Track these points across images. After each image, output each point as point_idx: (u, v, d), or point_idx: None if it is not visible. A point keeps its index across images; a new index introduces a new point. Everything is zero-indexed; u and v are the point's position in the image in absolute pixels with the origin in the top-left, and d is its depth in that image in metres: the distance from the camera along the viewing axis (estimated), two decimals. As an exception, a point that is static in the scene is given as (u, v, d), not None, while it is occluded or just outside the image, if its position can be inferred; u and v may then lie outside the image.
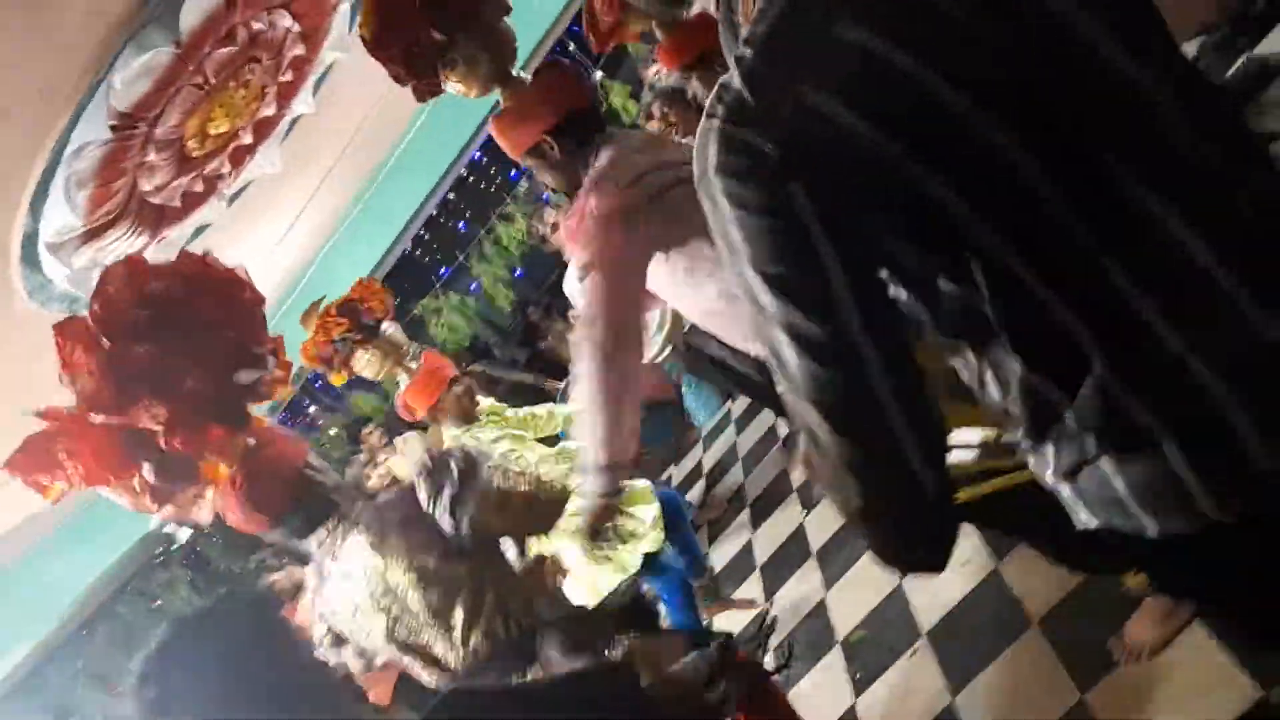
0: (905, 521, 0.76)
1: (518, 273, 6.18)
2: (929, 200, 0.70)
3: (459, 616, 1.47)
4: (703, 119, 0.73)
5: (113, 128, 2.36)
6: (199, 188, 3.08)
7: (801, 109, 0.69)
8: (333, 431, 6.46)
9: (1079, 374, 0.71)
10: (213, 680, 1.07)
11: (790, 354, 0.73)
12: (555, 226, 4.49)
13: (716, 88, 0.74)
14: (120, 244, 2.88)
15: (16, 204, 2.37)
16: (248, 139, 3.15)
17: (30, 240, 2.52)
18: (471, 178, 6.00)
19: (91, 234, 2.68)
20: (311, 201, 4.72)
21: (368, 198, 5.39)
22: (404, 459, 5.69)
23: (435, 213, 6.01)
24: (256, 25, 2.68)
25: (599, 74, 5.54)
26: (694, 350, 4.70)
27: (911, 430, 0.72)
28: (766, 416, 4.40)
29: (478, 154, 5.86)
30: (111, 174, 2.51)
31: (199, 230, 3.40)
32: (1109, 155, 0.69)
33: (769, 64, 0.72)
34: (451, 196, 5.99)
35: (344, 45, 3.33)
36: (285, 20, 2.81)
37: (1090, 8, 0.69)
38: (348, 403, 6.35)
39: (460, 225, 6.31)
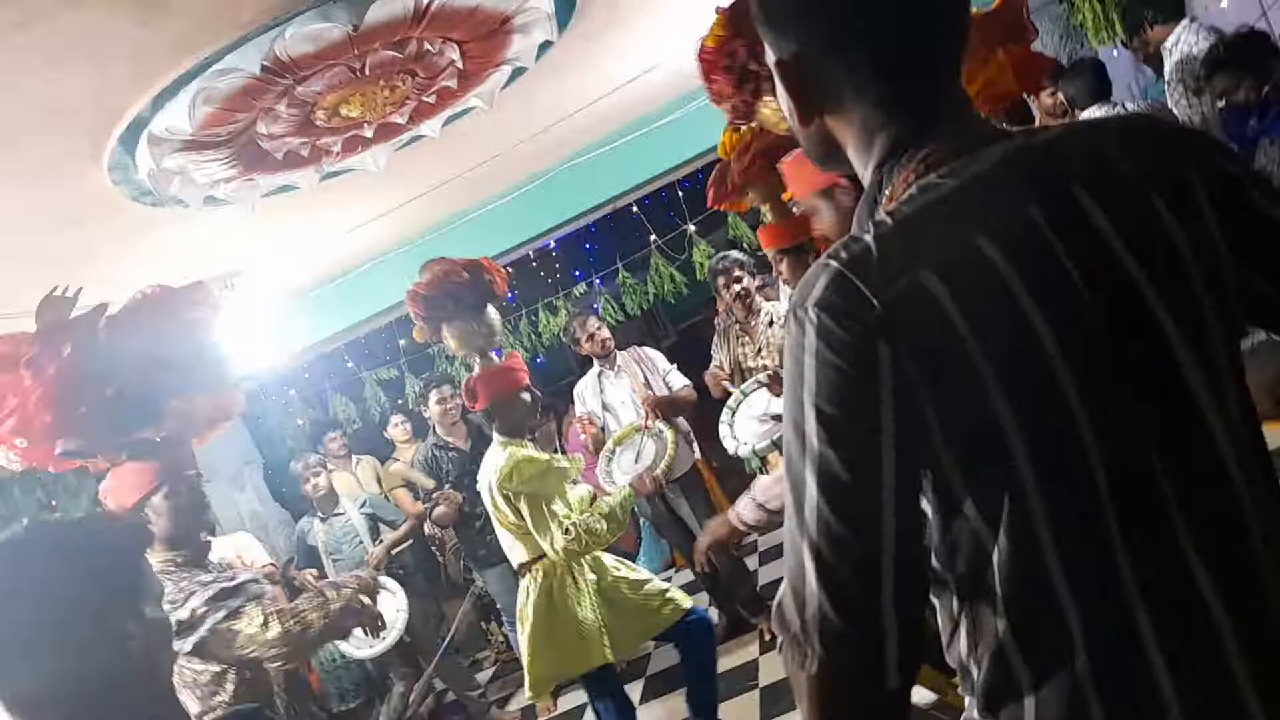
0: (858, 704, 0.74)
1: (538, 360, 6.25)
2: (994, 425, 0.73)
3: None
4: (820, 259, 0.78)
5: (264, 68, 2.49)
6: (305, 153, 3.21)
7: (916, 287, 0.74)
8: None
9: (1057, 662, 0.71)
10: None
11: (813, 493, 0.74)
12: (591, 337, 4.62)
13: (845, 238, 0.79)
14: (212, 165, 2.99)
15: (146, 89, 2.48)
16: (368, 133, 3.30)
17: (138, 125, 2.62)
18: (535, 262, 6.16)
19: (192, 145, 2.78)
20: (391, 214, 4.88)
21: (437, 236, 5.55)
22: (348, 476, 5.62)
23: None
24: (428, 46, 2.86)
25: (693, 226, 5.78)
26: (666, 505, 4.69)
27: (898, 618, 0.72)
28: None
29: (552, 243, 6.04)
30: (239, 104, 2.64)
31: (284, 188, 3.52)
32: (1148, 453, 0.73)
33: (903, 237, 0.76)
34: (510, 271, 6.15)
35: (490, 99, 3.53)
36: (454, 54, 3.00)
37: (1181, 324, 0.75)
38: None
39: (510, 298, 6.46)
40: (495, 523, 3.10)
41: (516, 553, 3.07)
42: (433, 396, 4.85)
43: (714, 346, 4.58)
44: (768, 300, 4.46)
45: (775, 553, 5.43)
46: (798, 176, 2.08)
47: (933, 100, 0.85)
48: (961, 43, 0.86)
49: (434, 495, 4.71)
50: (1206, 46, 3.77)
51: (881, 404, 0.73)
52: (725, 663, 3.98)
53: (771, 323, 4.29)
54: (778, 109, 1.95)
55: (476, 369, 3.11)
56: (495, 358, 3.14)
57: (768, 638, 4.35)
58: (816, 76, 0.86)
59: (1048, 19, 4.87)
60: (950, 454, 0.74)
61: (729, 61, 1.85)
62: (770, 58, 0.89)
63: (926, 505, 0.77)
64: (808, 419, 0.74)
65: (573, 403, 5.76)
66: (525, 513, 2.94)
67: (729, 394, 4.40)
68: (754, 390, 3.79)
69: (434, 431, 4.86)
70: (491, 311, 3.11)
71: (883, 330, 0.72)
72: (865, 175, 0.88)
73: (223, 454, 5.93)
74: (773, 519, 2.07)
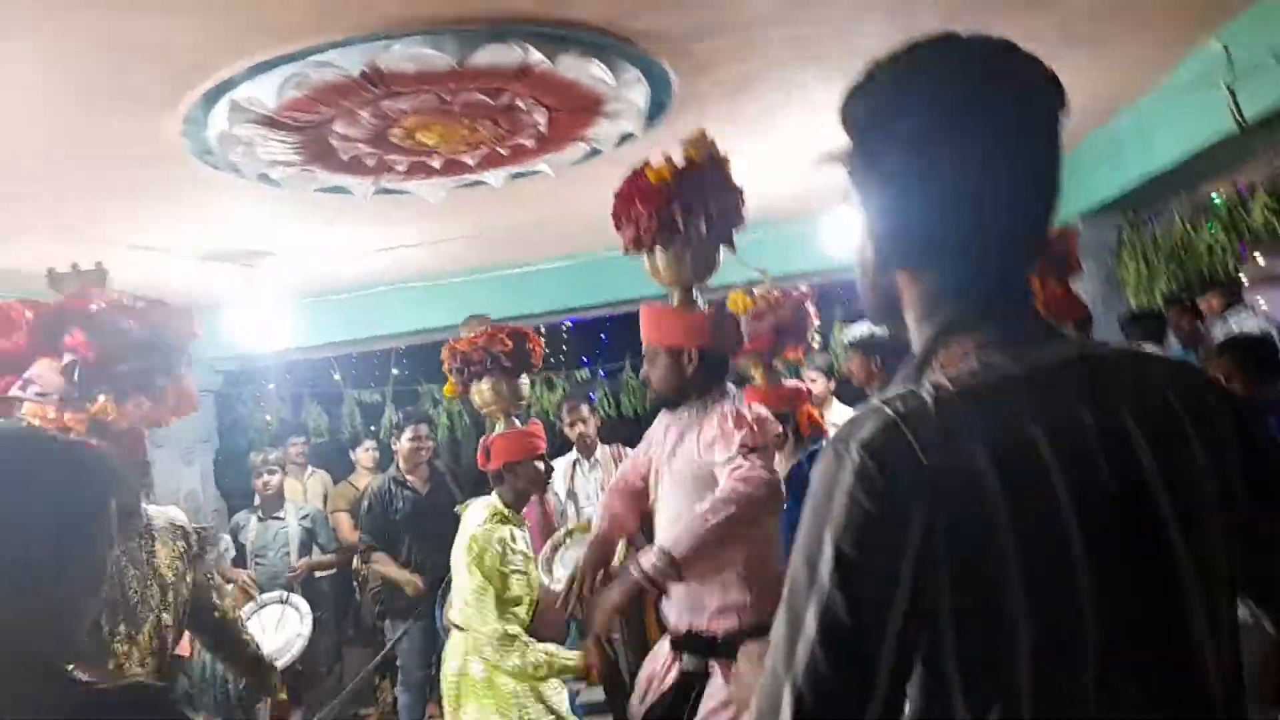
0: None
1: (518, 428, 6.23)
2: (1004, 609, 0.73)
3: None
4: (874, 403, 0.79)
5: (362, 73, 2.56)
6: (370, 162, 3.26)
7: (965, 457, 0.74)
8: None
9: None
10: None
11: (810, 632, 0.72)
12: (575, 424, 4.59)
13: (903, 390, 0.79)
14: (278, 146, 3.03)
15: (245, 56, 2.54)
16: (435, 164, 3.36)
17: (225, 87, 2.67)
18: (545, 335, 6.19)
19: (268, 121, 2.83)
20: (424, 245, 4.93)
21: (460, 281, 5.60)
22: (298, 485, 5.49)
23: (502, 334, 6.18)
24: (519, 102, 2.95)
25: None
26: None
27: None
28: None
29: (568, 322, 6.08)
30: (326, 98, 2.69)
31: (337, 189, 3.56)
32: (1142, 668, 0.75)
33: (962, 407, 0.77)
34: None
35: (558, 166, 3.61)
36: (541, 118, 3.08)
37: (1192, 554, 0.78)
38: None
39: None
40: (455, 576, 2.98)
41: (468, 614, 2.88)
42: (407, 432, 4.78)
43: None
44: None
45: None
46: (656, 325, 2.36)
47: (1005, 286, 0.87)
48: (1041, 242, 0.89)
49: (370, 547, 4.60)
50: (1257, 330, 3.95)
51: (904, 560, 0.72)
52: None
53: None
54: (662, 265, 2.32)
55: (499, 428, 3.12)
56: (517, 423, 3.16)
57: None
58: (897, 231, 0.88)
59: (1093, 262, 5.04)
60: (957, 640, 0.74)
61: (626, 225, 2.33)
62: (857, 194, 0.91)
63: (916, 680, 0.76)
64: (824, 555, 0.73)
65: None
66: (470, 590, 2.84)
67: None
68: None
69: (397, 466, 4.78)
70: (524, 378, 3.19)
71: (924, 490, 0.72)
72: (919, 337, 0.89)
73: (181, 426, 5.80)
74: (677, 574, 2.02)
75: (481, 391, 3.12)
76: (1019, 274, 0.89)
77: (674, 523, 2.22)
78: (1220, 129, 3.38)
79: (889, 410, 0.76)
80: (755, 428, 2.17)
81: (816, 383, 4.84)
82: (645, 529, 3.71)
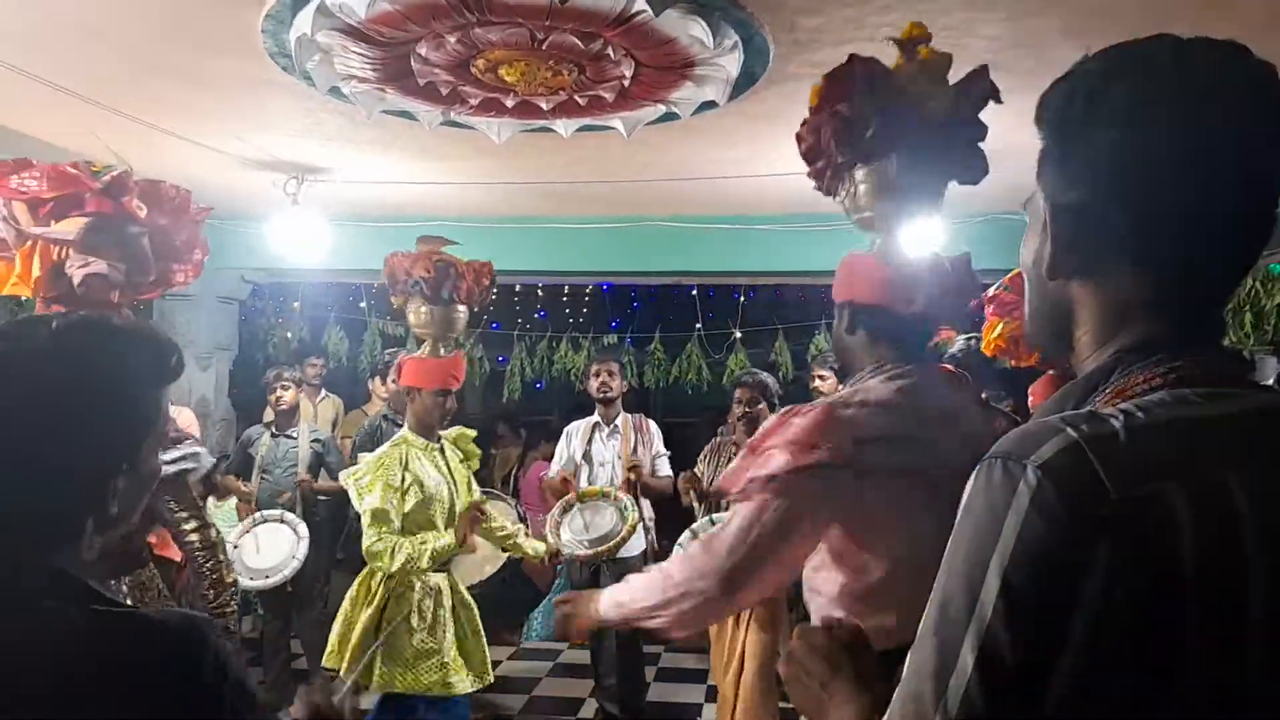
0: None
1: (539, 384, 6.14)
2: (1175, 684, 0.67)
3: None
4: (1054, 419, 0.70)
5: (459, -5, 2.46)
6: (443, 91, 3.17)
7: (1160, 496, 0.66)
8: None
9: None
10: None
11: (966, 668, 0.66)
12: (604, 382, 4.52)
13: (1087, 412, 0.72)
14: (356, 60, 2.94)
15: (343, -39, 2.45)
16: (509, 103, 3.27)
17: (317, -11, 2.58)
18: (586, 295, 6.12)
19: (352, 32, 2.74)
20: (474, 187, 4.85)
21: (506, 226, 5.51)
22: (310, 405, 5.46)
23: (538, 287, 6.07)
24: (610, 51, 2.85)
25: (739, 334, 5.75)
26: (595, 580, 4.51)
27: None
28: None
29: (606, 285, 6.00)
30: (418, 17, 2.60)
31: (404, 113, 3.47)
32: None
33: (1156, 440, 0.69)
34: (567, 291, 6.09)
35: (630, 129, 3.52)
36: (628, 71, 2.98)
37: None
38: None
39: (542, 314, 6.38)
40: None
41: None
42: (392, 372, 4.74)
43: (701, 458, 4.46)
44: None
45: (674, 675, 5.24)
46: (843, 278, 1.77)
47: (1204, 312, 0.80)
48: (1250, 262, 0.81)
49: None
50: None
51: (1080, 600, 0.65)
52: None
53: None
54: (854, 200, 1.76)
55: (420, 351, 3.31)
56: (441, 352, 3.30)
57: None
58: (1090, 234, 0.80)
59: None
60: (1118, 677, 0.66)
61: (810, 137, 1.77)
62: (1042, 195, 0.84)
63: None
64: (988, 585, 0.66)
65: (542, 440, 5.62)
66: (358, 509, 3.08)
67: (693, 507, 4.26)
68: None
69: (389, 404, 4.76)
70: (457, 310, 3.29)
71: (1111, 527, 0.65)
72: (1091, 355, 0.81)
73: (203, 330, 5.76)
74: (623, 623, 1.70)
75: (415, 313, 3.27)
76: (1222, 296, 0.82)
77: None
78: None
79: (1072, 431, 0.68)
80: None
81: (827, 380, 4.77)
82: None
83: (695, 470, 4.33)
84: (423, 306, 3.26)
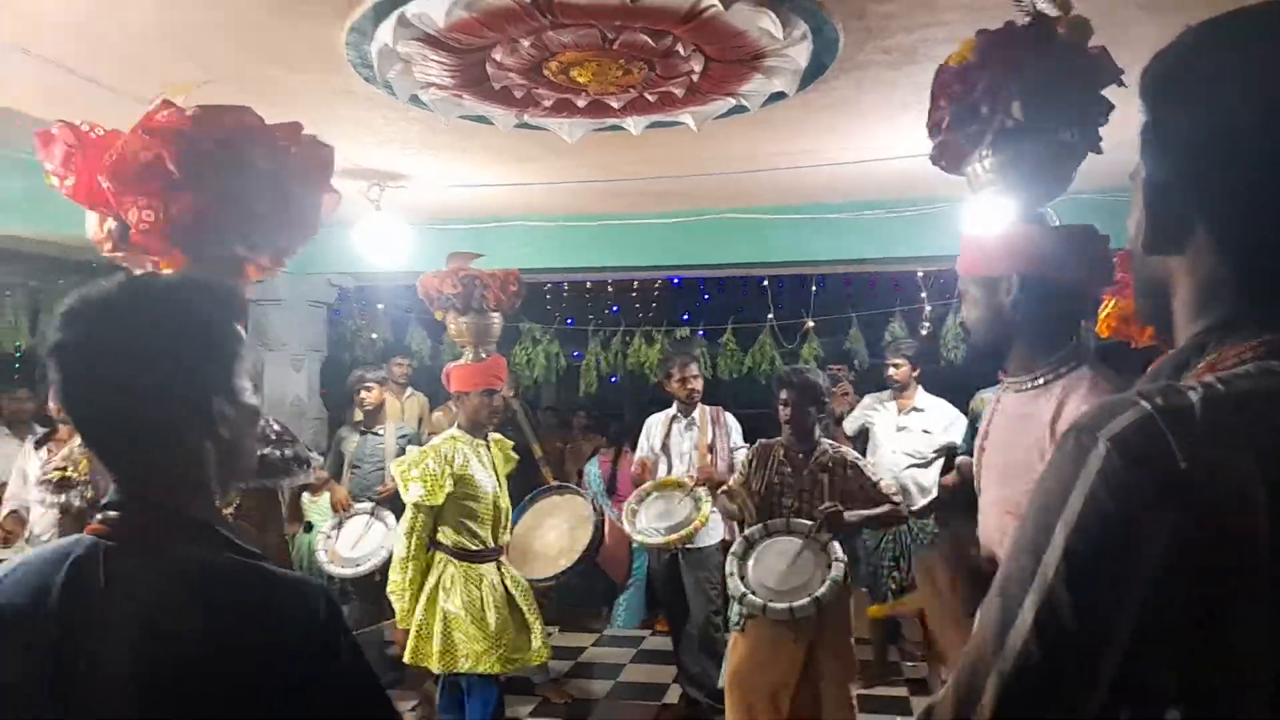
0: None
1: (613, 378, 6.23)
2: (1239, 659, 0.68)
3: None
4: (1131, 393, 0.71)
5: (534, 0, 2.54)
6: (517, 94, 3.25)
7: (1231, 469, 0.66)
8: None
9: None
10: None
11: (1025, 627, 0.68)
12: (685, 382, 4.54)
13: (1165, 385, 0.72)
14: (435, 68, 3.04)
15: (422, -27, 2.54)
16: (580, 103, 3.33)
17: (398, 1, 2.69)
18: (656, 290, 6.17)
19: (431, 41, 2.84)
20: (549, 188, 4.94)
21: (580, 225, 5.60)
22: (396, 404, 5.65)
23: (608, 283, 6.16)
24: (679, 47, 2.89)
25: (812, 323, 5.72)
26: (675, 567, 4.57)
27: None
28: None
29: (677, 279, 6.04)
30: (494, 23, 2.69)
31: (480, 118, 3.57)
32: None
33: (1233, 413, 0.69)
34: (636, 286, 6.16)
35: (700, 123, 3.55)
36: (697, 66, 3.02)
37: None
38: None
39: (615, 309, 6.46)
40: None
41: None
42: None
43: (747, 462, 3.95)
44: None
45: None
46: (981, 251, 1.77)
47: None
48: None
49: None
50: None
51: (1142, 570, 0.66)
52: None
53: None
54: (994, 172, 1.72)
55: (462, 359, 3.62)
56: (483, 356, 3.59)
57: None
58: (1180, 209, 0.80)
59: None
60: (1180, 650, 0.68)
61: (961, 91, 1.70)
62: (1144, 169, 0.84)
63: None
64: (1053, 548, 0.68)
65: (625, 434, 5.69)
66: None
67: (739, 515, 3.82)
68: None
69: None
70: (489, 318, 3.59)
71: (1176, 497, 0.65)
72: (1184, 328, 0.82)
73: (295, 333, 6.01)
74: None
75: (453, 324, 3.60)
76: None
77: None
78: None
79: (1146, 403, 0.69)
80: None
81: (901, 368, 4.72)
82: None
83: (738, 479, 3.70)
84: (459, 318, 3.57)
